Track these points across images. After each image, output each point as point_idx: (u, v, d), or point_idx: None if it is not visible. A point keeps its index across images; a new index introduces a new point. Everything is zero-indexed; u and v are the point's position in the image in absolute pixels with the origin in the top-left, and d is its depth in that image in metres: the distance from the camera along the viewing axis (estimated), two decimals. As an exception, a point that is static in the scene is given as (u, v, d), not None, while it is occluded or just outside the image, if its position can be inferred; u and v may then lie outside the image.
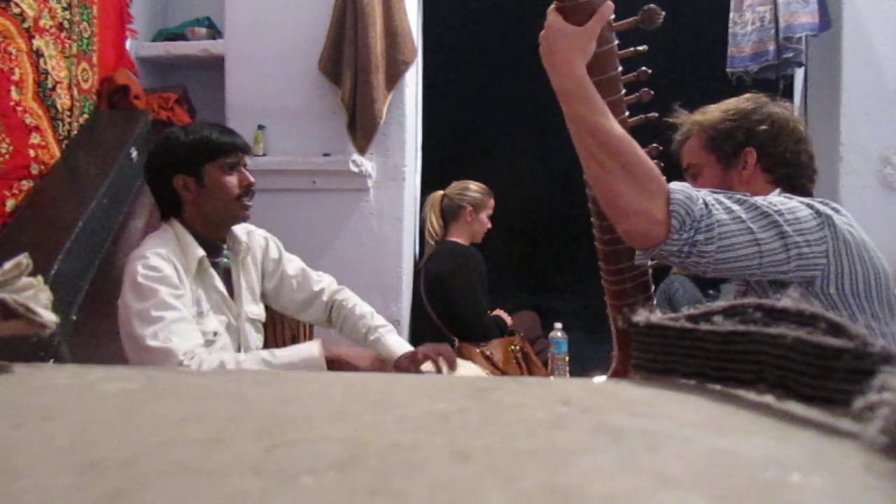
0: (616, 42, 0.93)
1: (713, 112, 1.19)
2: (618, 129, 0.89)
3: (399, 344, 1.57)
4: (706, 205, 0.90)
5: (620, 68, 0.94)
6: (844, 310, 0.98)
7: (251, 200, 1.47)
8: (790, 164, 1.14)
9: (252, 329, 1.53)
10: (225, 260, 1.49)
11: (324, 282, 1.65)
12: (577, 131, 0.91)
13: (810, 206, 0.98)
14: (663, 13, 0.90)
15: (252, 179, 1.46)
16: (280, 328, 2.30)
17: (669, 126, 1.23)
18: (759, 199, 0.96)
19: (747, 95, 1.19)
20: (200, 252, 1.40)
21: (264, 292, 1.60)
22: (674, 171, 1.13)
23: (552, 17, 0.91)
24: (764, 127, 1.14)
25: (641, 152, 0.90)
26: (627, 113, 0.96)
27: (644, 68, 0.95)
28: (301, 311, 1.65)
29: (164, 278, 1.31)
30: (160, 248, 1.36)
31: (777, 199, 0.98)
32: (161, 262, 1.33)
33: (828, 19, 2.46)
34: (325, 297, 1.64)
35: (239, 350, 1.48)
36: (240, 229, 1.53)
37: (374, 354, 1.55)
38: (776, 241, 0.93)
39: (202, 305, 1.40)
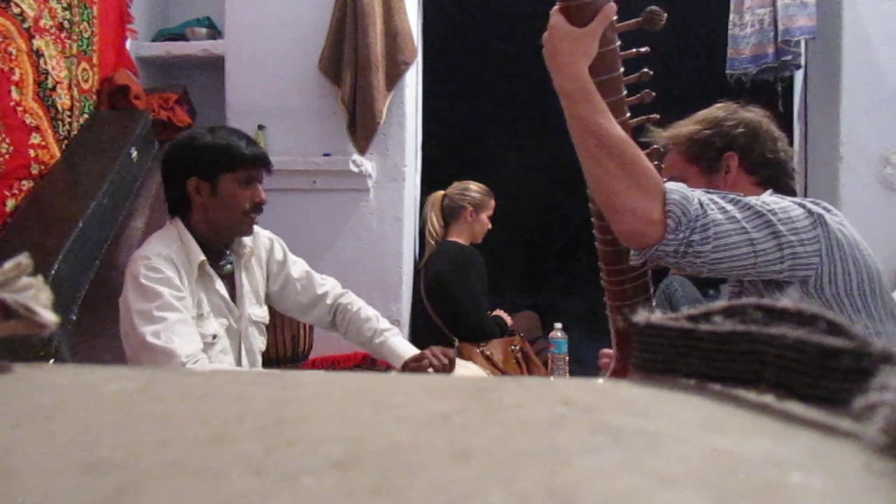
0: (618, 43, 0.93)
1: (686, 125, 1.21)
2: (617, 129, 0.90)
3: (405, 347, 1.58)
4: (701, 205, 0.90)
5: (622, 69, 0.94)
6: (839, 309, 0.98)
7: (258, 216, 1.47)
8: (771, 164, 1.15)
9: (255, 331, 1.53)
10: (229, 266, 1.50)
11: (328, 285, 1.66)
12: (577, 131, 0.91)
13: (802, 206, 0.99)
14: (666, 15, 0.90)
15: (264, 197, 1.46)
16: (280, 329, 2.31)
17: (646, 143, 1.24)
18: (752, 199, 0.96)
19: (717, 105, 1.22)
20: (201, 256, 1.40)
21: (268, 294, 1.60)
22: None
23: (555, 17, 0.91)
24: (740, 130, 1.15)
25: (640, 153, 0.90)
26: (629, 114, 0.96)
27: (646, 70, 0.95)
28: (305, 314, 1.66)
29: (167, 279, 1.31)
30: (163, 249, 1.36)
31: (770, 199, 0.99)
32: (163, 263, 1.33)
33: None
34: (329, 301, 1.64)
35: (240, 351, 1.49)
36: None
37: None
38: (770, 241, 0.93)
39: (203, 308, 1.40)
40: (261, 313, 1.56)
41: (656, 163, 0.95)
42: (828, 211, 1.01)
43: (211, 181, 1.41)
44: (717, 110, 1.20)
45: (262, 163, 1.46)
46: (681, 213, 0.88)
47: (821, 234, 0.97)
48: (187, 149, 1.44)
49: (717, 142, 1.16)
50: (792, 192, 1.14)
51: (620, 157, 0.89)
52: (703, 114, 1.21)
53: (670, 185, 0.91)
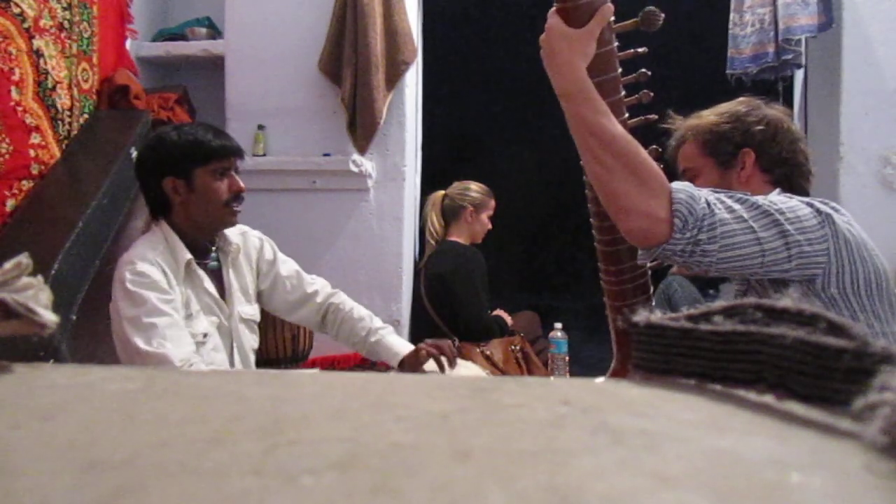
0: (616, 44, 0.93)
1: (708, 116, 1.19)
2: (619, 129, 0.90)
3: (401, 344, 1.57)
4: (708, 204, 0.90)
5: (620, 70, 0.94)
6: (845, 309, 0.98)
7: (240, 206, 1.46)
8: (787, 164, 1.14)
9: (246, 329, 1.52)
10: (213, 263, 1.49)
11: (317, 284, 1.65)
12: (579, 132, 0.91)
13: (810, 205, 0.98)
14: (663, 15, 0.90)
15: (242, 185, 1.45)
16: (280, 329, 2.31)
17: (665, 130, 1.23)
18: (759, 199, 0.96)
19: (741, 99, 1.20)
20: (187, 255, 1.40)
21: (259, 293, 1.60)
22: (672, 174, 1.13)
23: (552, 19, 0.91)
24: (760, 127, 1.14)
25: (643, 152, 0.90)
26: (627, 114, 0.96)
27: (643, 70, 0.95)
28: (292, 313, 1.64)
29: (153, 283, 1.31)
30: (148, 252, 1.36)
31: (778, 199, 0.98)
32: (149, 267, 1.32)
33: (830, 18, 2.45)
34: (318, 300, 1.63)
35: (232, 350, 1.48)
36: (233, 230, 1.52)
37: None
38: (778, 240, 0.93)
39: (191, 307, 1.39)
40: (251, 311, 1.55)
41: (658, 162, 0.95)
42: (836, 211, 1.01)
43: (186, 178, 1.40)
44: (740, 105, 1.18)
45: (232, 152, 1.45)
46: (687, 212, 0.88)
47: (829, 234, 0.96)
48: (157, 150, 1.43)
49: (736, 137, 1.15)
50: (805, 193, 1.13)
51: (624, 157, 0.89)
52: (725, 107, 1.19)
53: (676, 185, 0.91)
